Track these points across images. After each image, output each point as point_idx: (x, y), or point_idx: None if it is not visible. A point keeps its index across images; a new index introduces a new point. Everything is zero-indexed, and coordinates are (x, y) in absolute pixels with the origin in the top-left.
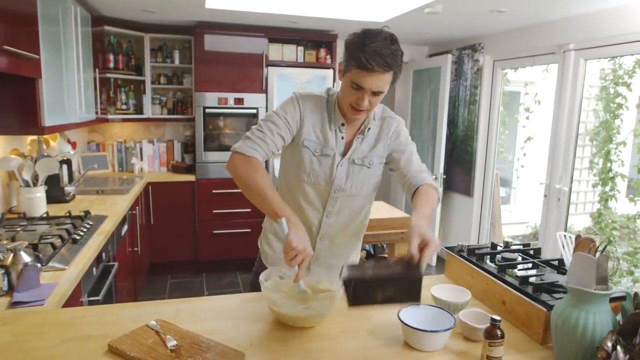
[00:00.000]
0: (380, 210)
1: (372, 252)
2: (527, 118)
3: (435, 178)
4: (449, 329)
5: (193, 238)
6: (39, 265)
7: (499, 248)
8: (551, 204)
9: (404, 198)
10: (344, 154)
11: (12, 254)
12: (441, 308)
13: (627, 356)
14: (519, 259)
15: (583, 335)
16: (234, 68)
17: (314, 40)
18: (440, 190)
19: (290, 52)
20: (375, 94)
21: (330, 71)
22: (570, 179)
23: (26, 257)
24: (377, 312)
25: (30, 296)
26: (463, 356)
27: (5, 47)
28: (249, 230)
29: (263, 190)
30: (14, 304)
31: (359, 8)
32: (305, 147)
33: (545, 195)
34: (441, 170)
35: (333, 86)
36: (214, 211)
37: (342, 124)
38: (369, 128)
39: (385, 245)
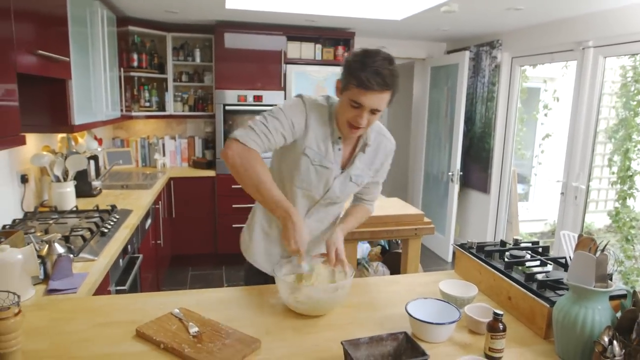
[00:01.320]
0: (395, 206)
1: (387, 248)
2: (546, 115)
3: (452, 174)
4: (453, 322)
5: (213, 231)
6: (71, 256)
7: (508, 245)
8: (568, 202)
9: (420, 196)
10: (342, 167)
11: (47, 245)
12: (447, 302)
13: (624, 351)
14: (527, 256)
15: (582, 330)
16: (253, 66)
17: (331, 38)
18: (457, 187)
19: (308, 50)
20: (373, 112)
21: None
22: (588, 177)
23: (60, 249)
24: (385, 305)
25: (64, 284)
26: (467, 348)
27: (40, 51)
28: None
29: (267, 184)
30: (50, 291)
31: (376, 6)
32: (305, 155)
33: (562, 193)
34: (458, 167)
35: None
36: (234, 206)
37: (339, 137)
38: (369, 145)
39: (399, 241)
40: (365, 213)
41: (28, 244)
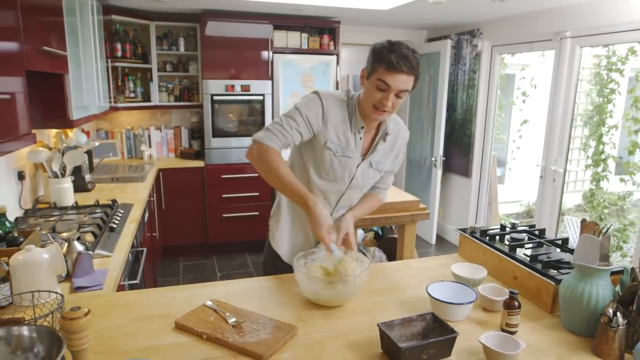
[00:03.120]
0: (391, 193)
1: (381, 233)
2: (524, 102)
3: (435, 160)
4: (472, 302)
5: (203, 222)
6: (91, 253)
7: (507, 229)
8: (547, 184)
9: (403, 182)
10: (363, 155)
11: (67, 244)
12: (463, 284)
13: (625, 320)
14: (526, 239)
15: (588, 304)
16: (240, 55)
17: (317, 27)
18: (440, 171)
19: (294, 38)
20: (398, 95)
21: (334, 57)
22: (565, 161)
23: (79, 246)
24: (406, 288)
25: (88, 281)
26: (484, 325)
27: (45, 47)
28: (257, 213)
29: (287, 177)
30: (76, 289)
31: None
32: (327, 148)
33: (541, 177)
34: (440, 152)
35: (336, 72)
36: (223, 195)
37: (362, 127)
38: (388, 133)
39: (394, 227)
40: (377, 201)
41: (43, 242)
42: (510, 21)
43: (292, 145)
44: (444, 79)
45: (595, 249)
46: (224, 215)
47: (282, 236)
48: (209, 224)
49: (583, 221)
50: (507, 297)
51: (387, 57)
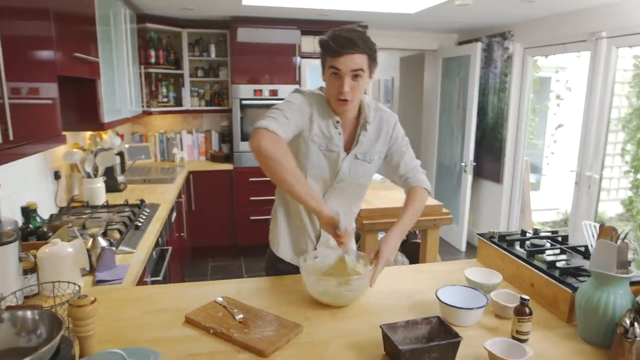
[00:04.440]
0: None
1: (405, 238)
2: (558, 105)
3: (465, 165)
4: (481, 307)
5: (232, 223)
6: (114, 248)
7: (528, 235)
8: (581, 191)
9: (433, 187)
10: (346, 149)
11: (91, 239)
12: (474, 288)
13: None
14: (548, 245)
15: (604, 313)
16: (268, 60)
17: None
18: (470, 177)
19: None
20: (354, 78)
21: None
22: (601, 167)
23: (103, 242)
24: (418, 291)
25: (110, 275)
26: (494, 331)
27: (76, 54)
28: None
29: (294, 173)
30: (98, 282)
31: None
32: (313, 142)
33: (576, 183)
34: (471, 157)
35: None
36: (251, 198)
37: (337, 121)
38: (369, 122)
39: (417, 232)
40: (420, 195)
41: (72, 237)
42: (542, 22)
43: (291, 136)
44: (474, 82)
45: (612, 255)
46: (252, 218)
47: (281, 238)
48: (237, 226)
49: (601, 226)
50: (518, 303)
51: (329, 44)
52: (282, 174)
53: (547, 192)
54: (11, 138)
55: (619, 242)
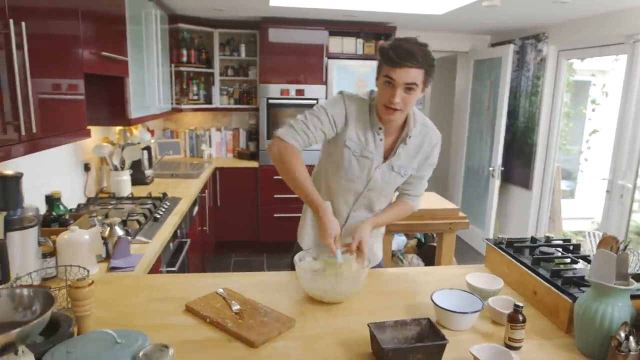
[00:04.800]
0: (431, 200)
1: (424, 241)
2: (593, 110)
3: (493, 169)
4: (475, 312)
5: (255, 220)
6: (129, 238)
7: (539, 242)
8: (613, 200)
9: (460, 191)
10: (384, 158)
11: (109, 228)
12: (471, 293)
13: (639, 347)
14: (557, 254)
15: (601, 325)
16: (296, 60)
17: (373, 32)
18: (497, 182)
19: (349, 44)
20: (407, 90)
21: None
22: (635, 176)
23: (119, 231)
24: (417, 293)
25: (123, 263)
26: (489, 337)
27: (104, 53)
28: None
29: (301, 179)
30: (111, 269)
31: (417, 0)
32: (347, 147)
33: (607, 191)
34: (499, 162)
35: None
36: (275, 196)
37: (380, 128)
38: (410, 136)
39: (434, 235)
40: (405, 209)
41: (92, 226)
42: (578, 24)
43: (314, 144)
44: (504, 85)
45: (611, 265)
46: (275, 215)
47: (307, 233)
48: (260, 223)
49: (604, 235)
50: (512, 309)
51: (388, 54)
52: (287, 177)
53: (582, 200)
54: (34, 131)
55: (618, 252)
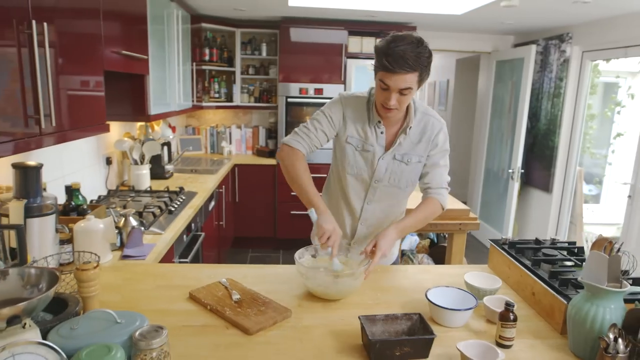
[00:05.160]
0: None
1: (436, 241)
2: (618, 113)
3: (512, 172)
4: (468, 309)
5: (273, 217)
6: (142, 228)
7: (542, 244)
8: (635, 205)
9: (480, 193)
10: (386, 148)
11: (123, 219)
12: (467, 291)
13: (628, 348)
14: (560, 256)
15: (592, 327)
16: (315, 60)
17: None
18: (517, 184)
19: (369, 44)
20: (402, 93)
21: None
22: None
23: (133, 222)
24: (416, 290)
25: (135, 252)
26: (481, 335)
27: (124, 52)
28: None
29: (303, 179)
30: (124, 257)
31: (436, 0)
32: (348, 143)
33: (629, 196)
34: (519, 164)
35: None
36: (292, 193)
37: (379, 122)
38: (411, 127)
39: (446, 236)
40: (432, 206)
41: (108, 215)
42: (603, 24)
43: (319, 146)
44: (526, 86)
45: (603, 267)
46: (292, 212)
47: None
48: (277, 219)
49: (600, 236)
50: (503, 308)
51: (383, 59)
52: (291, 180)
53: (607, 205)
54: (53, 124)
55: (610, 254)
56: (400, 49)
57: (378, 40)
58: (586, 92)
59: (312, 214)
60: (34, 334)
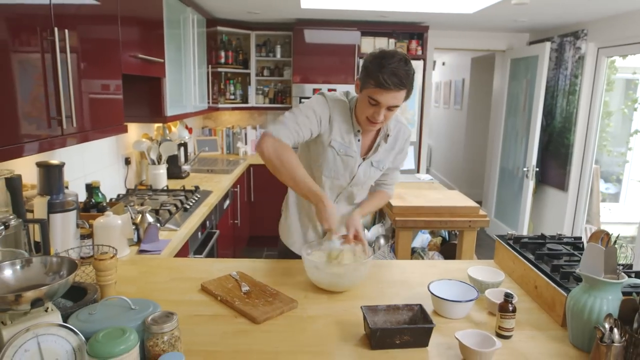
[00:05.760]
0: (453, 198)
1: (447, 239)
2: (636, 109)
3: (527, 170)
4: (469, 301)
5: None
6: (158, 225)
7: (548, 240)
8: None
9: (495, 191)
10: (363, 155)
11: (140, 215)
12: (469, 284)
13: (623, 338)
14: (564, 251)
15: (589, 317)
16: (329, 60)
17: (406, 32)
18: (532, 183)
19: (382, 44)
20: (390, 109)
21: (421, 62)
22: None
23: (150, 218)
24: (419, 284)
25: (151, 247)
26: (482, 326)
27: (141, 55)
28: None
29: (301, 175)
30: (140, 251)
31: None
32: (331, 147)
33: None
34: (533, 162)
35: (423, 76)
36: None
37: (358, 131)
38: (389, 135)
39: (457, 233)
40: (383, 198)
41: (127, 213)
42: (619, 20)
43: (301, 141)
44: (540, 84)
45: (599, 259)
46: None
47: (292, 231)
48: None
49: (596, 229)
50: (503, 299)
51: (376, 76)
52: (285, 174)
53: (628, 204)
54: (74, 125)
55: (607, 246)
56: (393, 67)
57: (364, 57)
58: (602, 89)
59: (336, 243)
60: (56, 317)
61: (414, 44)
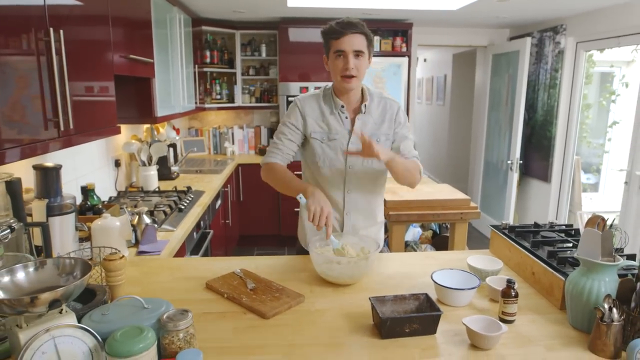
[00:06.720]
0: (443, 191)
1: (438, 232)
2: (613, 101)
3: (511, 163)
4: (471, 289)
5: (277, 214)
6: (155, 225)
7: (542, 228)
8: (631, 191)
9: (480, 185)
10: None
11: (137, 217)
12: (470, 272)
13: (622, 317)
14: (557, 238)
15: (588, 299)
16: (315, 59)
17: (390, 29)
18: (516, 175)
19: None
20: (357, 55)
21: (406, 59)
22: None
23: (147, 219)
24: (421, 275)
25: (150, 248)
26: (485, 312)
27: (131, 55)
28: None
29: (284, 178)
30: (140, 253)
31: None
32: (313, 138)
33: (625, 183)
34: (517, 155)
35: (408, 73)
36: None
37: (342, 106)
38: (365, 104)
39: (447, 225)
40: (414, 164)
41: (122, 214)
42: (596, 15)
43: (293, 153)
44: (522, 79)
45: (596, 243)
46: (296, 209)
47: (307, 232)
48: (282, 217)
49: (593, 215)
50: (505, 285)
51: (332, 28)
52: (277, 183)
53: (607, 193)
54: (71, 127)
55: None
56: (343, 19)
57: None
58: (581, 82)
59: (302, 199)
60: (71, 319)
61: (398, 40)
